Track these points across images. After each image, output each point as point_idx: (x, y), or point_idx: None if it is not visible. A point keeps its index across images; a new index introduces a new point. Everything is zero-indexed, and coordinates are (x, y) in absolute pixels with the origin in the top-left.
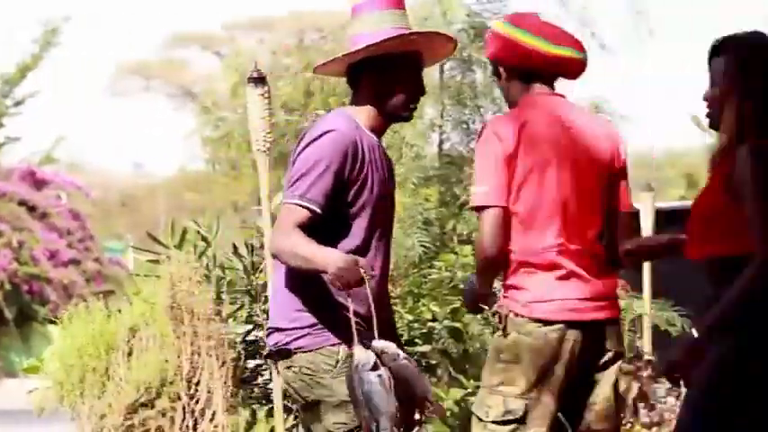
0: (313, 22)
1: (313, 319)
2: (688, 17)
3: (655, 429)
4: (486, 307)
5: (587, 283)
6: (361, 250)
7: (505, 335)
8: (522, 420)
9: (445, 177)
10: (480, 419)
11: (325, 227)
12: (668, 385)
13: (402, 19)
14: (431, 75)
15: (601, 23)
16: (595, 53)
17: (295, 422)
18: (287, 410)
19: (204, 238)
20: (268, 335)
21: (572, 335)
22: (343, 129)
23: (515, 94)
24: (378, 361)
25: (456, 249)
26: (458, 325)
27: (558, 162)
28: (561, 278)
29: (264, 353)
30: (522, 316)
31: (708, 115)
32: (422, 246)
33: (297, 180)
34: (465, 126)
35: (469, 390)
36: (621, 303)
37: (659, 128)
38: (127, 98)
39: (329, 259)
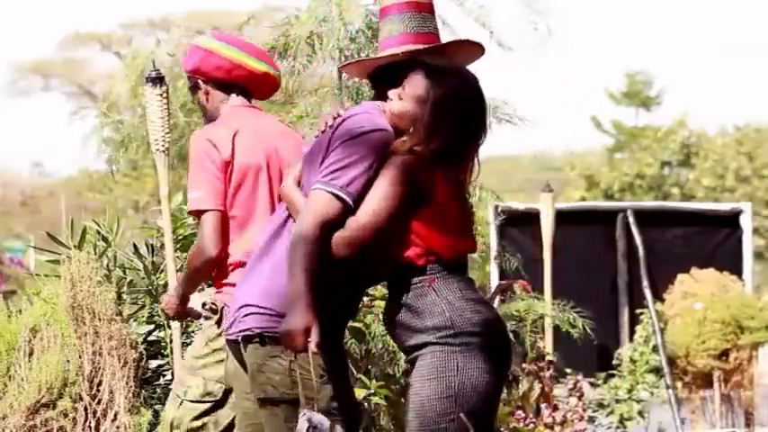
0: (211, 22)
1: None
2: (588, 18)
3: (558, 429)
4: (193, 317)
5: None
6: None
7: (219, 325)
8: (220, 403)
9: None
10: (178, 396)
11: None
12: (570, 385)
13: (430, 22)
14: (329, 75)
15: (499, 23)
16: (494, 53)
17: None
18: None
19: (105, 238)
20: (246, 314)
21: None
22: (390, 132)
23: (215, 106)
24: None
25: None
26: (359, 325)
27: (267, 168)
28: None
29: (242, 331)
30: None
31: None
32: None
33: (339, 169)
34: None
35: (372, 390)
36: (523, 304)
37: (558, 129)
38: (26, 97)
39: (296, 312)
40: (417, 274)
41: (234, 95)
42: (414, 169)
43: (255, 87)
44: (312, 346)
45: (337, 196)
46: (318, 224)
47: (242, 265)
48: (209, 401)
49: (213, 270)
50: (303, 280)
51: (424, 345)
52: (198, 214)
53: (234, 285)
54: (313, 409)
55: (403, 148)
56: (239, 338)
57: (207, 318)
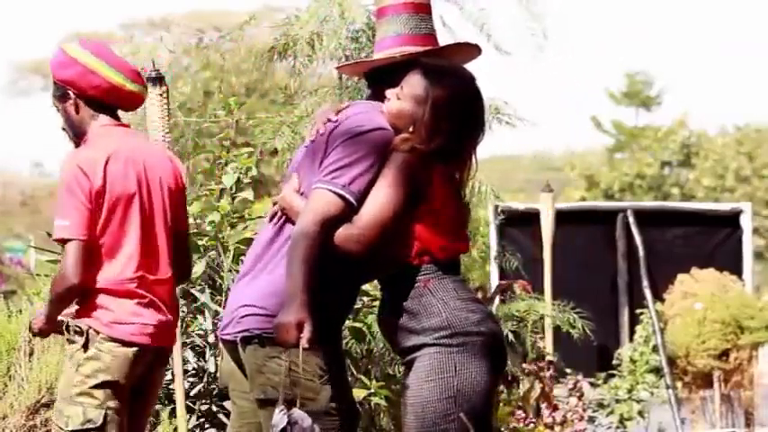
0: (212, 22)
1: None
2: (588, 18)
3: (558, 429)
4: (57, 333)
5: (160, 311)
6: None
7: (86, 349)
8: (101, 428)
9: None
10: (61, 429)
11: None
12: (570, 385)
13: (428, 23)
14: (329, 75)
15: (498, 25)
16: (494, 54)
17: (198, 422)
18: (189, 410)
19: None
20: (244, 315)
21: (145, 356)
22: (390, 131)
23: (84, 123)
24: (288, 428)
25: None
26: (359, 325)
27: (139, 195)
28: (141, 305)
29: (240, 332)
30: (103, 334)
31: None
32: None
33: (340, 168)
34: None
35: (372, 390)
36: (523, 305)
37: (558, 130)
38: (26, 97)
39: (291, 307)
40: (412, 274)
41: (104, 114)
42: (415, 168)
43: (126, 105)
44: (303, 342)
45: (339, 195)
46: (319, 222)
47: (108, 291)
48: (90, 428)
49: (77, 296)
50: (301, 277)
51: (421, 346)
52: (62, 242)
53: (101, 308)
54: (294, 405)
55: (404, 147)
56: (237, 339)
57: (71, 341)
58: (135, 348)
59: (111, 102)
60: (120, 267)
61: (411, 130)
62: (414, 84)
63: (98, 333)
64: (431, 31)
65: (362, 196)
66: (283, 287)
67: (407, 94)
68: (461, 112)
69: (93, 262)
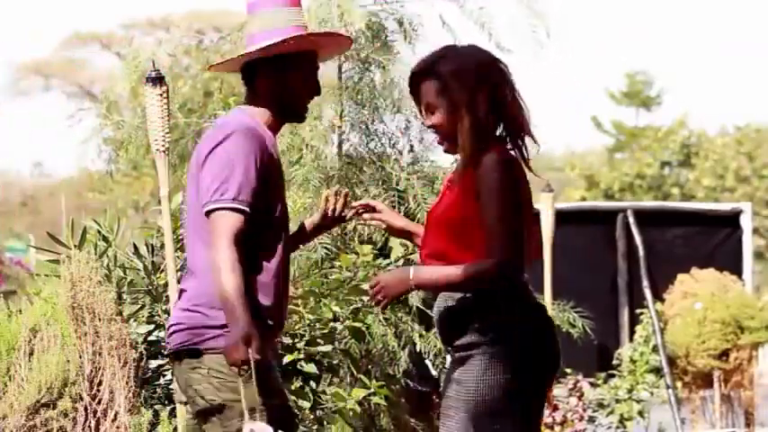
0: (211, 22)
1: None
2: (588, 18)
3: (558, 429)
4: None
5: None
6: (279, 260)
7: None
8: None
9: (345, 178)
10: None
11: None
12: (570, 385)
13: (298, 16)
14: (329, 75)
15: (499, 24)
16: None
17: None
18: None
19: (105, 238)
20: (171, 333)
21: None
22: (252, 126)
23: None
24: None
25: (356, 249)
26: (359, 325)
27: None
28: None
29: (170, 351)
30: None
31: (441, 141)
32: (323, 246)
33: (222, 183)
34: (364, 126)
35: (372, 390)
36: None
37: (558, 129)
38: (26, 97)
39: (235, 330)
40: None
41: None
42: (514, 165)
43: None
44: (254, 354)
45: (233, 209)
46: (231, 243)
47: None
48: None
49: None
50: (237, 300)
51: (477, 344)
52: None
53: None
54: (256, 419)
55: (469, 138)
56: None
57: None
58: None
59: None
60: None
61: (463, 117)
62: (428, 91)
63: None
64: (304, 24)
65: (255, 200)
66: (196, 293)
67: (430, 102)
68: (480, 71)
69: None
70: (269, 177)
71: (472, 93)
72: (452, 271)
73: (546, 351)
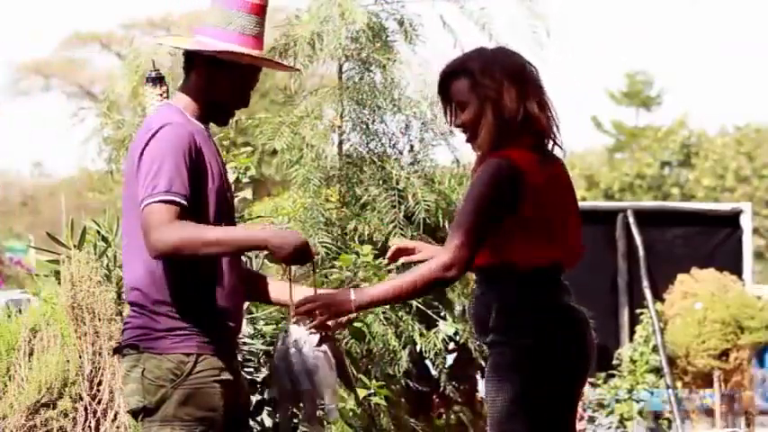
0: None
1: (172, 322)
2: (588, 18)
3: None
4: None
5: None
6: (227, 259)
7: None
8: None
9: (346, 178)
10: None
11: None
12: None
13: (257, 26)
14: (329, 76)
15: (499, 24)
16: None
17: None
18: None
19: (105, 238)
20: (124, 330)
21: None
22: (178, 120)
23: None
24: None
25: (357, 249)
26: (359, 325)
27: None
28: None
29: (115, 347)
30: None
31: (470, 139)
32: (323, 246)
33: (153, 178)
34: (365, 126)
35: (372, 390)
36: None
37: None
38: (26, 97)
39: (267, 233)
40: (508, 273)
41: None
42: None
43: None
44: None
45: (168, 201)
46: (167, 227)
47: None
48: None
49: None
50: (225, 237)
51: (499, 343)
52: None
53: None
54: (296, 323)
55: (493, 121)
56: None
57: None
58: None
59: None
60: None
61: (488, 112)
62: (459, 89)
63: None
64: (256, 34)
65: (188, 191)
66: (148, 298)
67: (461, 100)
68: (510, 70)
69: None
70: (202, 171)
71: (500, 89)
72: (397, 284)
73: (576, 351)
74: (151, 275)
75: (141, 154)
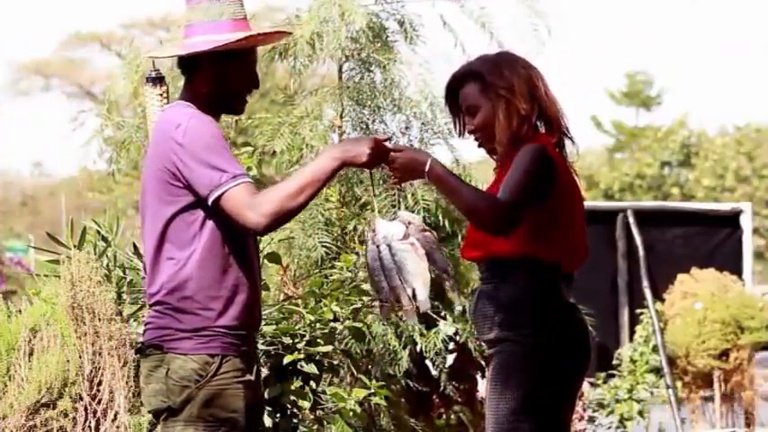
0: None
1: (197, 323)
2: (588, 18)
3: None
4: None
5: None
6: (252, 257)
7: None
8: None
9: (346, 178)
10: None
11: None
12: None
13: (241, 9)
14: (329, 76)
15: (500, 24)
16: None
17: None
18: None
19: (105, 238)
20: (146, 330)
21: None
22: (195, 111)
23: None
24: (407, 231)
25: (357, 249)
26: (359, 325)
27: None
28: None
29: (137, 347)
30: None
31: (483, 143)
32: (323, 246)
33: (212, 168)
34: (365, 126)
35: (372, 390)
36: None
37: None
38: (26, 97)
39: (334, 152)
40: (514, 269)
41: None
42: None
43: None
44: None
45: (238, 184)
46: (255, 201)
47: None
48: None
49: None
50: (302, 182)
51: (503, 341)
52: None
53: None
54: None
55: (506, 116)
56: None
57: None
58: None
59: None
60: None
61: (501, 110)
62: (469, 93)
63: None
64: (242, 17)
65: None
66: (175, 298)
67: (472, 104)
68: (516, 69)
69: None
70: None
71: (511, 88)
72: (462, 185)
73: (575, 349)
74: (175, 276)
75: (178, 150)
